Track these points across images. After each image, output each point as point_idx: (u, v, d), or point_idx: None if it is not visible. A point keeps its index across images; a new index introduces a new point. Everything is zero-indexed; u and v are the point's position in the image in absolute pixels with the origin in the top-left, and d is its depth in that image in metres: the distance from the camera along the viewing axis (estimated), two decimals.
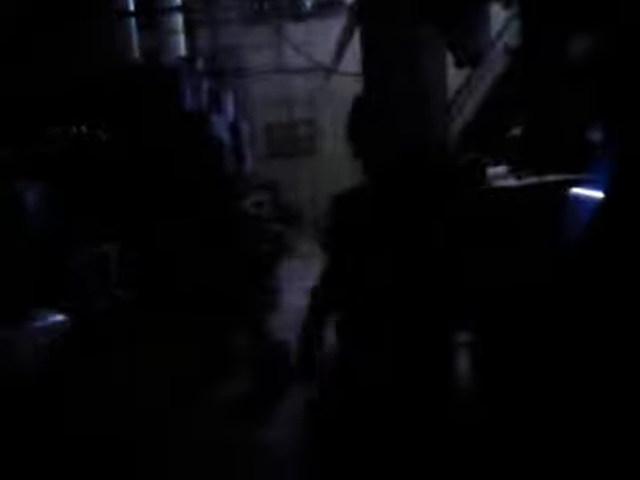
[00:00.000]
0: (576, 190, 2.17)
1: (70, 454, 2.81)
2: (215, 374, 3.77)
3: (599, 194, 2.05)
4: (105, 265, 4.02)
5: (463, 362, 2.07)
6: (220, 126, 5.24)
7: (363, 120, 1.87)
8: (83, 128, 4.18)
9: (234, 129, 5.55)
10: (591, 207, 2.07)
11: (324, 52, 5.71)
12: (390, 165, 1.84)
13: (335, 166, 6.36)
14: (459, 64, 2.65)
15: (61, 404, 3.01)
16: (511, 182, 2.69)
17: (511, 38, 3.07)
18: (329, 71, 5.52)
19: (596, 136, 2.42)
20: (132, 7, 5.26)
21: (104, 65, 4.56)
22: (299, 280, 4.55)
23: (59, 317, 3.04)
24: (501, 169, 3.05)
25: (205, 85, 5.33)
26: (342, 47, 5.13)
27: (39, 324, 2.95)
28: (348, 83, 4.56)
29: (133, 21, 5.25)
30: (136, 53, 5.20)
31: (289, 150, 6.48)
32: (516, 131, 3.31)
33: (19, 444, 2.59)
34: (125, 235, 4.19)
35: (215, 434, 3.11)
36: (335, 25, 5.41)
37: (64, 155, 4.18)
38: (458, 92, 2.90)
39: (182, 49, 5.62)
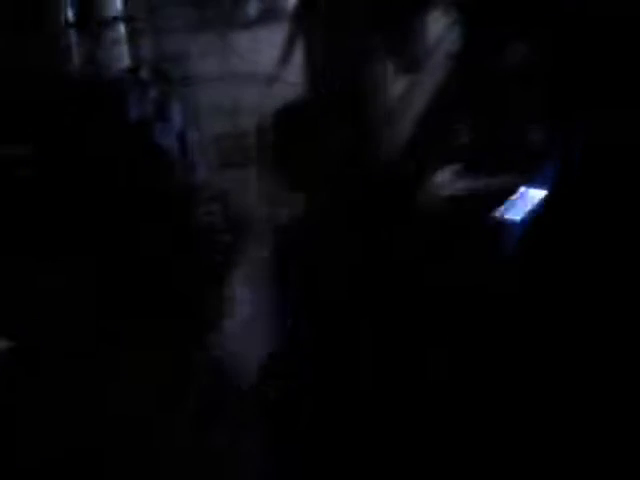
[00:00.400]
0: (521, 192, 2.18)
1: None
2: (170, 390, 3.72)
3: (542, 194, 2.06)
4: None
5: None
6: (166, 135, 5.17)
7: (293, 135, 1.74)
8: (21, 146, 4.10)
9: (182, 138, 5.48)
10: (535, 207, 2.08)
11: (269, 59, 5.67)
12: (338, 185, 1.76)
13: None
14: (398, 71, 2.65)
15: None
16: (462, 184, 2.71)
17: (452, 43, 3.08)
18: (272, 79, 5.49)
19: (538, 137, 2.45)
20: (72, 17, 5.16)
21: (43, 78, 4.46)
22: (250, 290, 4.51)
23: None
24: (448, 172, 3.06)
25: (150, 94, 5.25)
26: (286, 54, 5.12)
27: None
28: (293, 91, 4.54)
29: (73, 32, 5.16)
30: (77, 65, 5.10)
31: (239, 159, 6.42)
32: (463, 135, 3.34)
33: None
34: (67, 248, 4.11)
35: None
36: (280, 32, 5.38)
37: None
38: (400, 99, 2.90)
39: (125, 59, 5.52)
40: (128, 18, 5.46)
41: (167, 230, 4.50)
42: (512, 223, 2.15)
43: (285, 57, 5.35)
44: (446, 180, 2.89)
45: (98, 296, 4.06)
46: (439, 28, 2.94)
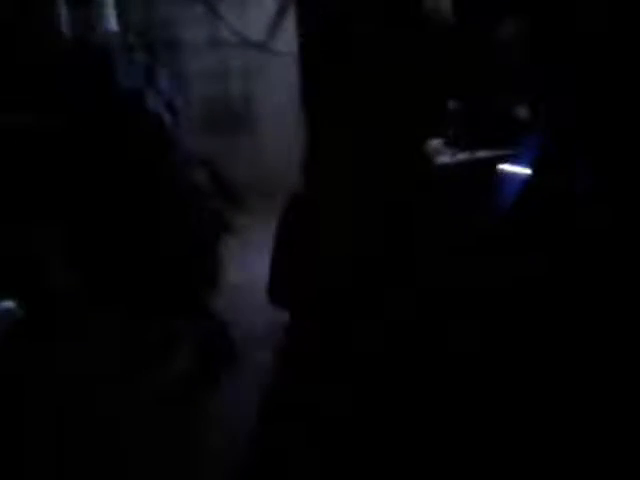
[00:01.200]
0: (505, 166, 2.28)
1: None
2: (157, 356, 3.80)
3: (526, 170, 2.15)
4: (45, 247, 3.99)
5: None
6: (156, 102, 5.18)
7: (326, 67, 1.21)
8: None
9: (170, 105, 5.49)
10: (519, 182, 2.18)
11: (258, 26, 5.67)
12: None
13: (272, 141, 6.42)
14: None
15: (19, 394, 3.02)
16: (445, 158, 2.79)
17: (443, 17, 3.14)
18: (262, 47, 5.50)
19: (523, 113, 2.54)
20: None
21: (30, 45, 4.45)
22: (240, 257, 4.59)
23: (7, 304, 3.02)
24: (437, 142, 3.15)
25: (138, 60, 5.25)
26: (276, 24, 5.13)
27: None
28: (283, 60, 4.56)
29: None
30: (65, 29, 5.07)
31: (226, 126, 6.44)
32: (450, 104, 3.40)
33: None
34: (61, 216, 4.15)
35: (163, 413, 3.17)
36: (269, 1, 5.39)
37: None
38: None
39: (114, 24, 5.49)
40: None
41: (155, 194, 4.53)
42: (496, 194, 2.24)
43: (275, 25, 5.35)
44: (436, 147, 2.97)
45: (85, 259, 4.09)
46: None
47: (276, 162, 6.16)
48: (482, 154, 2.52)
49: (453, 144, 2.98)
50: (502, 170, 2.24)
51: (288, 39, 4.73)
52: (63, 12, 4.93)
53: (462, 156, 2.61)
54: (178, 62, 6.05)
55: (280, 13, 4.87)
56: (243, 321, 3.81)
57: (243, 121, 6.37)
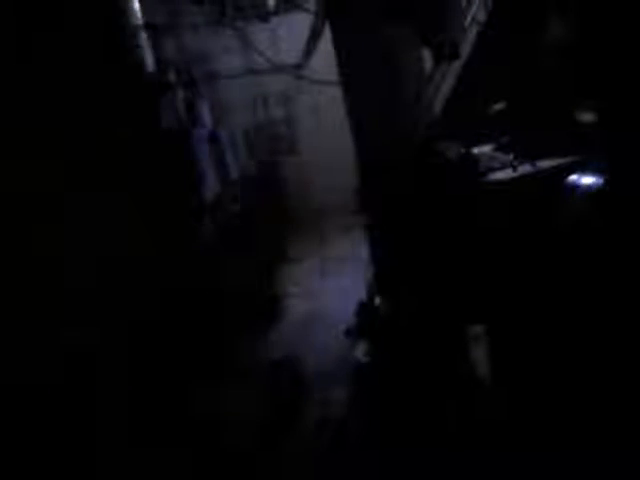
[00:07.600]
0: (572, 177, 2.14)
1: None
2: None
3: (595, 180, 2.02)
4: None
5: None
6: (201, 138, 5.18)
7: None
8: None
9: (214, 138, 5.48)
10: (588, 193, 2.04)
11: (290, 50, 5.65)
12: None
13: (320, 161, 6.37)
14: (437, 60, 2.59)
15: None
16: (508, 173, 2.62)
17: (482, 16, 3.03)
18: (298, 69, 5.46)
19: (587, 117, 2.37)
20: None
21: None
22: (300, 284, 4.51)
23: None
24: (487, 149, 2.99)
25: (180, 96, 5.26)
26: (310, 44, 5.07)
27: None
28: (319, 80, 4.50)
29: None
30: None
31: (272, 150, 6.42)
32: (498, 106, 3.24)
33: None
34: None
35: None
36: (299, 21, 5.34)
37: None
38: (430, 79, 2.80)
39: (150, 64, 5.52)
40: (149, 25, 5.43)
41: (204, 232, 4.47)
42: (564, 207, 2.12)
43: (309, 47, 5.28)
44: (486, 153, 2.83)
45: None
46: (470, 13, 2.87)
47: (317, 180, 6.20)
48: (545, 164, 2.35)
49: (505, 150, 2.83)
50: (572, 181, 2.10)
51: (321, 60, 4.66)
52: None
53: (523, 169, 2.45)
54: (217, 93, 6.06)
55: (312, 38, 4.81)
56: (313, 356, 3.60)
57: (287, 143, 6.35)
